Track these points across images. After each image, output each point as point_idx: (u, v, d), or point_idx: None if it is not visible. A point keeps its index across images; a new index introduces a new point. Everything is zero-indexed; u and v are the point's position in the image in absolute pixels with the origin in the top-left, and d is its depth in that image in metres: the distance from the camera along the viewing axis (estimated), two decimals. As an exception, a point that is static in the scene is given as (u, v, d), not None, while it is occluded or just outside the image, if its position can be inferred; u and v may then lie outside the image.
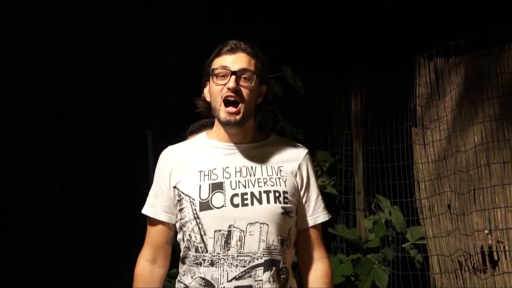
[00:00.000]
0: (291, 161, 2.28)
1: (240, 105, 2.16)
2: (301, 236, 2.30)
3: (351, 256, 4.24)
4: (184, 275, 2.23)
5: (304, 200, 2.29)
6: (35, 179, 4.74)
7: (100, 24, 5.09)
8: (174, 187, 2.22)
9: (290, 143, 2.36)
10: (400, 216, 4.31)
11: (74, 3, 4.99)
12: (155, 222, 2.28)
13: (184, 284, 2.21)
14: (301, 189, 2.27)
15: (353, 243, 4.27)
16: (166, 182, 2.25)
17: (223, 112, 2.17)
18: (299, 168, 2.28)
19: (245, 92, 2.17)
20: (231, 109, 2.16)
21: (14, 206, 4.75)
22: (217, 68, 2.17)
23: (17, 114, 5.02)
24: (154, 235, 2.29)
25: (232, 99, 2.16)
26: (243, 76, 2.17)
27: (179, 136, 5.01)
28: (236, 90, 2.15)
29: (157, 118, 5.21)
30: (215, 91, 2.18)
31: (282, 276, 2.19)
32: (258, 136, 2.31)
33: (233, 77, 2.15)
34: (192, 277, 2.19)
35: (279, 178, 2.22)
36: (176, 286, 2.26)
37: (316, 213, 2.31)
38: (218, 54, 2.20)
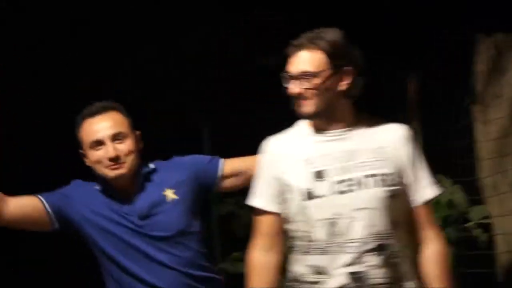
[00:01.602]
0: (392, 140, 2.23)
1: (307, 101, 2.16)
2: (412, 215, 2.26)
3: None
4: (291, 263, 2.25)
5: (410, 178, 2.23)
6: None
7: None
8: (279, 178, 2.23)
9: (388, 121, 2.31)
10: (462, 196, 4.25)
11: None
12: (264, 213, 2.28)
13: (293, 273, 2.24)
14: (405, 167, 2.22)
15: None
16: (271, 173, 2.26)
17: (297, 108, 2.21)
18: (401, 145, 2.23)
19: (308, 91, 2.16)
20: (301, 108, 2.19)
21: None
22: (284, 74, 2.21)
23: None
24: (264, 225, 2.30)
25: (301, 97, 2.18)
26: (303, 77, 2.16)
27: (235, 126, 4.97)
28: (298, 92, 2.16)
29: (213, 108, 5.19)
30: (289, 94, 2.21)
31: (394, 260, 2.17)
32: (354, 119, 2.26)
33: (293, 81, 2.17)
34: (300, 266, 2.21)
35: (381, 160, 2.19)
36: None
37: (423, 190, 2.25)
38: (288, 57, 2.21)
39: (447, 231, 4.08)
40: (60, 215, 2.48)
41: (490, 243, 4.16)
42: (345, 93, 2.21)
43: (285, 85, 2.20)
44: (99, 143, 2.42)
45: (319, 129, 2.24)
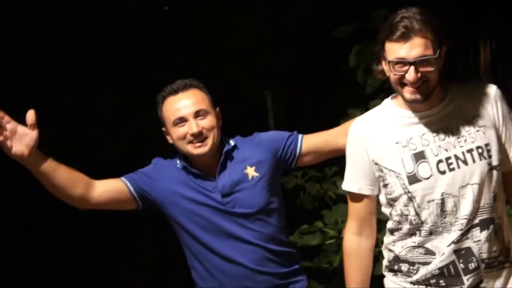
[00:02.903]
0: (483, 105, 2.18)
1: (422, 87, 2.09)
2: (507, 180, 2.24)
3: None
4: (393, 244, 2.26)
5: (504, 140, 2.19)
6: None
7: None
8: (375, 162, 2.21)
9: (474, 86, 2.27)
10: None
11: None
12: (357, 196, 2.30)
13: (394, 253, 2.25)
14: (500, 130, 2.18)
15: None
16: (364, 157, 2.24)
17: (407, 93, 2.11)
18: (493, 109, 2.18)
19: (426, 75, 2.07)
20: (414, 95, 2.10)
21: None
22: (393, 61, 2.08)
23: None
24: (357, 208, 2.31)
25: (414, 85, 2.09)
26: (423, 62, 2.06)
27: (298, 95, 4.94)
28: (416, 79, 2.07)
29: (276, 78, 5.14)
30: (395, 79, 2.12)
31: (499, 232, 2.16)
32: (444, 93, 2.20)
33: (412, 68, 2.05)
34: (403, 247, 2.22)
35: (477, 130, 2.16)
36: (385, 254, 2.31)
37: None
38: (390, 39, 2.08)
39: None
40: (143, 195, 2.55)
41: None
42: (441, 72, 2.15)
43: (396, 73, 2.10)
44: (182, 120, 2.46)
45: (412, 108, 2.19)
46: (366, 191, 2.28)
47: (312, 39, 4.87)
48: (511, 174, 2.23)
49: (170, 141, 2.56)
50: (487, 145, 2.14)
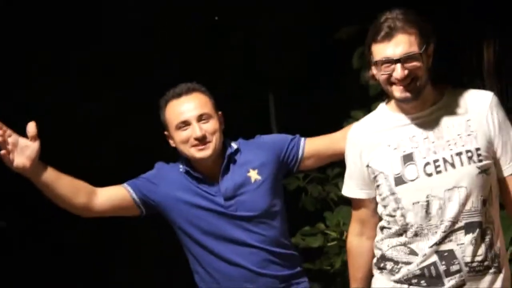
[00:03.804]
0: (478, 111, 2.17)
1: (411, 85, 2.11)
2: (502, 187, 2.22)
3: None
4: (381, 243, 2.29)
5: (499, 148, 2.17)
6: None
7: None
8: (367, 166, 2.25)
9: (471, 92, 2.24)
10: None
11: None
12: (356, 200, 2.36)
13: (381, 251, 2.28)
14: (494, 137, 2.16)
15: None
16: (357, 163, 2.28)
17: (396, 92, 2.13)
18: (488, 115, 2.16)
19: (414, 72, 2.10)
20: (404, 93, 2.12)
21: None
22: (380, 60, 2.11)
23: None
24: (357, 211, 2.38)
25: (402, 83, 2.11)
26: (408, 60, 2.08)
27: (301, 99, 4.91)
28: (404, 77, 2.08)
29: (278, 81, 5.09)
30: (383, 79, 2.14)
31: (487, 237, 2.15)
32: (437, 94, 2.22)
33: (399, 65, 2.08)
34: (388, 245, 2.25)
35: (468, 134, 2.15)
36: (374, 251, 2.34)
37: None
38: (375, 40, 2.12)
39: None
40: (146, 201, 2.56)
41: None
42: (431, 69, 2.18)
43: (384, 73, 2.12)
44: (185, 123, 2.46)
45: (403, 111, 2.21)
46: (362, 195, 2.32)
47: (315, 41, 4.84)
48: (504, 182, 2.21)
49: (173, 145, 2.55)
50: (477, 149, 2.13)
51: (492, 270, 2.17)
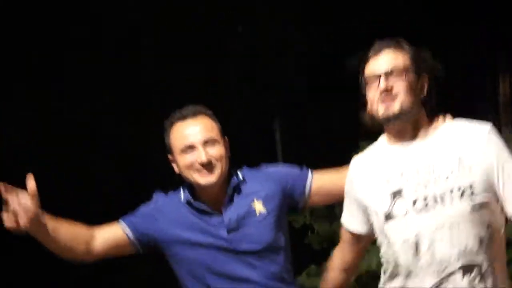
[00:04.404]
0: (473, 144, 2.02)
1: (396, 99, 2.04)
2: (503, 228, 2.07)
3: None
4: (383, 287, 2.18)
5: (499, 184, 2.00)
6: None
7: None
8: (361, 199, 2.17)
9: (468, 124, 2.11)
10: None
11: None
12: (347, 230, 2.28)
13: None
14: (492, 172, 2.00)
15: None
16: (354, 194, 2.20)
17: (381, 108, 2.05)
18: (485, 147, 2.01)
19: (397, 88, 2.05)
20: (387, 110, 2.04)
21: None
22: (368, 77, 2.10)
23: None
24: (345, 240, 2.34)
25: (389, 95, 2.05)
26: (393, 73, 2.06)
27: (306, 126, 4.80)
28: (387, 89, 2.04)
29: (284, 107, 5.07)
30: (371, 99, 2.08)
31: (488, 279, 2.01)
32: (432, 127, 2.11)
33: (382, 78, 2.05)
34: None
35: (461, 170, 2.00)
36: None
37: None
38: (366, 61, 2.13)
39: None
40: (142, 241, 2.43)
41: None
42: (424, 101, 2.10)
43: (370, 86, 2.08)
44: (190, 147, 2.34)
45: (396, 141, 2.12)
46: (351, 228, 2.24)
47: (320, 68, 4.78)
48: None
49: (177, 171, 2.40)
50: (471, 185, 2.00)
51: None
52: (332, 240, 3.88)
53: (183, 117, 2.41)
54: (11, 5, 4.34)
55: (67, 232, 2.34)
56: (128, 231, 2.42)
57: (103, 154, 5.40)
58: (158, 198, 2.51)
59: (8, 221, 2.15)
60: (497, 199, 2.01)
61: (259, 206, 2.42)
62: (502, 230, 2.06)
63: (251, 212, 2.40)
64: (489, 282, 2.01)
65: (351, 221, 2.24)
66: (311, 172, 2.49)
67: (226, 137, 2.43)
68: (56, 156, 5.19)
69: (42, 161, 5.14)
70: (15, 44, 4.54)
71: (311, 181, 2.47)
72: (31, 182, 2.18)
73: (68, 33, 4.56)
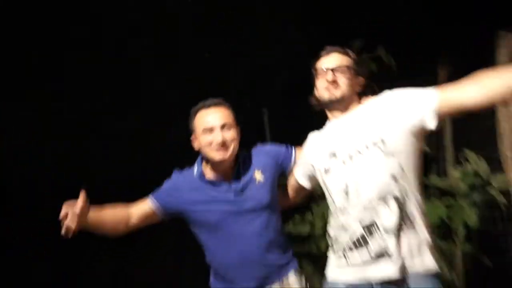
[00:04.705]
0: (382, 105, 2.62)
1: (338, 87, 2.72)
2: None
3: (444, 201, 4.59)
4: (329, 226, 2.74)
5: (404, 116, 2.60)
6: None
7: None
8: (310, 161, 2.86)
9: (379, 96, 2.70)
10: (484, 166, 4.56)
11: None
12: (296, 180, 3.06)
13: (328, 233, 2.74)
14: (396, 116, 2.57)
15: (445, 191, 4.73)
16: (305, 157, 2.93)
17: (326, 94, 2.74)
18: (386, 104, 2.62)
19: (340, 80, 2.73)
20: (331, 91, 2.73)
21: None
22: (319, 70, 2.78)
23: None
24: (292, 184, 3.13)
25: (332, 86, 2.73)
26: (338, 70, 2.73)
27: (295, 113, 4.79)
28: (334, 80, 2.72)
29: (273, 95, 5.14)
30: (320, 87, 2.78)
31: (402, 206, 2.52)
32: (358, 106, 2.76)
33: (330, 72, 2.74)
34: (331, 226, 2.72)
35: (375, 126, 2.59)
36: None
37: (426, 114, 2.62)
38: (318, 58, 2.81)
39: (473, 195, 4.56)
40: (168, 211, 3.03)
41: (509, 205, 4.52)
42: (357, 93, 2.77)
43: (320, 77, 2.75)
44: (210, 129, 2.91)
45: (335, 117, 2.77)
46: (301, 181, 3.01)
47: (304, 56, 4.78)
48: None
49: (196, 148, 2.97)
50: (382, 139, 2.55)
51: (404, 231, 2.52)
52: (312, 196, 4.36)
53: (208, 106, 2.97)
54: (11, 5, 4.30)
55: (110, 219, 2.92)
56: (156, 205, 3.02)
57: (103, 154, 5.40)
58: (177, 175, 3.08)
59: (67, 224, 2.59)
60: (409, 141, 2.54)
61: (258, 175, 3.00)
62: (412, 165, 2.56)
63: (252, 180, 2.99)
64: (407, 208, 2.53)
65: (300, 176, 2.97)
66: (294, 149, 3.12)
67: (239, 126, 3.00)
68: (56, 156, 5.18)
69: (42, 161, 5.16)
70: (15, 44, 4.50)
71: (295, 154, 3.12)
72: (82, 196, 2.66)
73: (68, 33, 4.53)
